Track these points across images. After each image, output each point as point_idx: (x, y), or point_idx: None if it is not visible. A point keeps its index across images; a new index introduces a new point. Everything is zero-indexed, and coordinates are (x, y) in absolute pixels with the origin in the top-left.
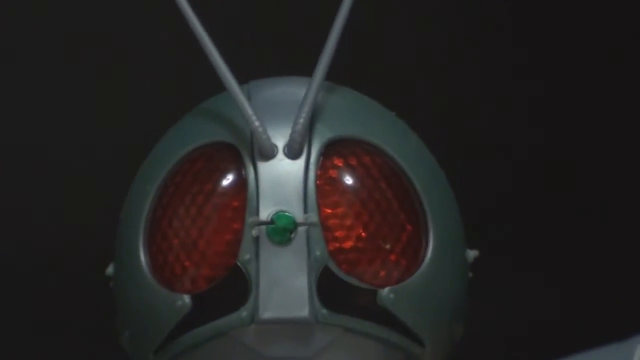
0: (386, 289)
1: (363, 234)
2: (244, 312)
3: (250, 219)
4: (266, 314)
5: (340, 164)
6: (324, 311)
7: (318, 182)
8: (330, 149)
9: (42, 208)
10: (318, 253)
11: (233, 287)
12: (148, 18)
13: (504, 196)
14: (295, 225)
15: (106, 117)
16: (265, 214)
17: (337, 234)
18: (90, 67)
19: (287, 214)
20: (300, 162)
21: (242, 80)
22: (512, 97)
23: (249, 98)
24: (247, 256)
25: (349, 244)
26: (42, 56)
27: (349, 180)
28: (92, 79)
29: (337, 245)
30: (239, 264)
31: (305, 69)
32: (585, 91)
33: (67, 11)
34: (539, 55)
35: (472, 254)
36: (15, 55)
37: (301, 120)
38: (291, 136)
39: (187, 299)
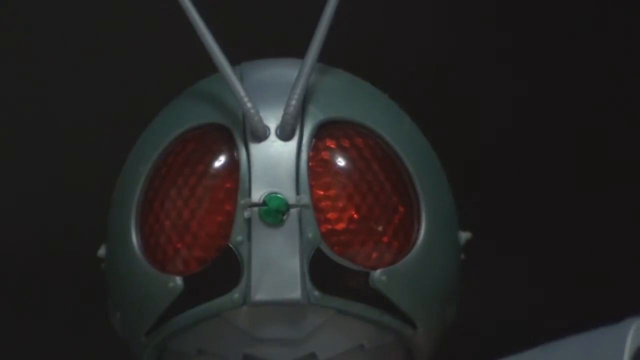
0: (378, 271)
1: (355, 215)
2: (236, 294)
3: (242, 201)
4: (258, 295)
5: (332, 146)
6: (316, 293)
7: (310, 163)
8: (322, 131)
9: (35, 188)
10: (310, 235)
11: (225, 269)
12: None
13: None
14: (287, 206)
15: (98, 96)
16: (257, 195)
17: (330, 215)
18: (83, 44)
19: (279, 195)
20: (292, 144)
21: (234, 61)
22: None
23: (241, 79)
24: (239, 238)
25: (341, 226)
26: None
27: (341, 162)
28: (85, 58)
29: (330, 227)
30: (230, 245)
31: (297, 51)
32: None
33: None
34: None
35: (464, 236)
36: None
37: (293, 102)
38: (283, 117)
39: (179, 280)
